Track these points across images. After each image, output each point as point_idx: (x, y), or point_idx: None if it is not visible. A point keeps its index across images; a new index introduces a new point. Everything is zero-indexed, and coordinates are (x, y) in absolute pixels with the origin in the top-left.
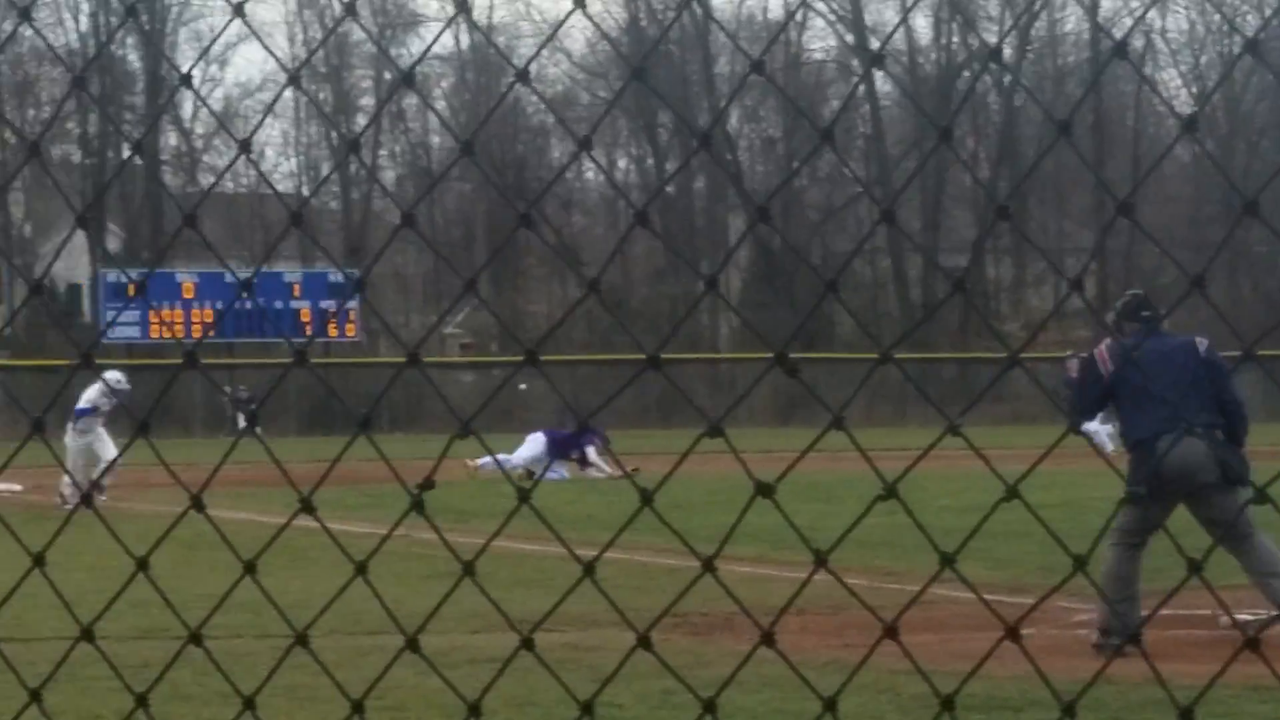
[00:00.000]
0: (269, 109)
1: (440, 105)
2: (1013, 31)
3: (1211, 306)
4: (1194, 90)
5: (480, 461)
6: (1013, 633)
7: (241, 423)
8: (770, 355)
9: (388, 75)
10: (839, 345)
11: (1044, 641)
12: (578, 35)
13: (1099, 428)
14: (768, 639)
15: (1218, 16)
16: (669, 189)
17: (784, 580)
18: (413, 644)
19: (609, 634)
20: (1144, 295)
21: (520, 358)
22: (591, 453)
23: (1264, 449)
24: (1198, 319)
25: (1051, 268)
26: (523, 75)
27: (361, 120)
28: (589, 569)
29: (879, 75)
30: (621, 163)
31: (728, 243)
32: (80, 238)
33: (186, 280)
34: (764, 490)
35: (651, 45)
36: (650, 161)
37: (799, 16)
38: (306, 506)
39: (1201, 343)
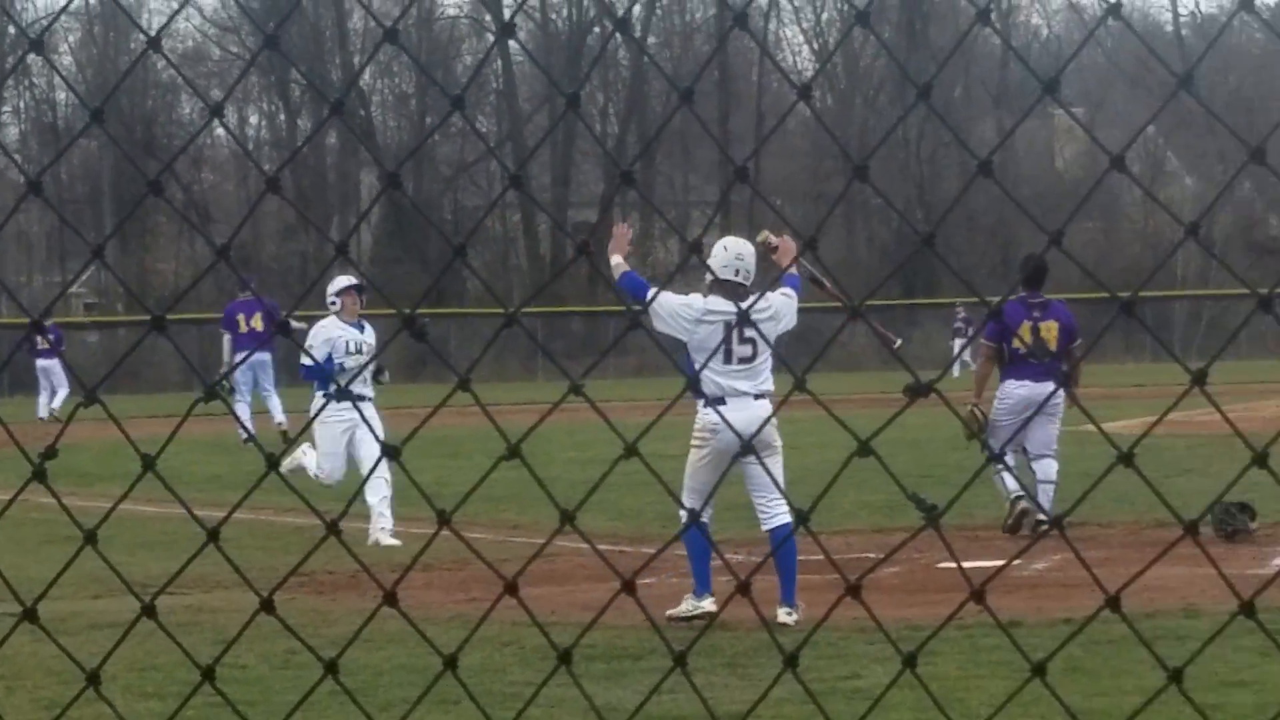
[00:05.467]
0: None
1: (67, 61)
2: None
3: (821, 265)
4: (815, 46)
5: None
6: (629, 586)
7: None
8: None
9: (11, 30)
10: (469, 301)
11: (666, 590)
12: None
13: None
14: (390, 598)
15: None
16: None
17: (410, 537)
18: (30, 614)
19: (233, 595)
20: None
21: (147, 317)
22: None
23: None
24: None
25: (671, 228)
26: (154, 42)
27: None
28: (213, 535)
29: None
30: (253, 119)
31: (360, 198)
32: None
33: None
34: (390, 452)
35: (287, 12)
36: (282, 118)
37: None
38: None
39: None
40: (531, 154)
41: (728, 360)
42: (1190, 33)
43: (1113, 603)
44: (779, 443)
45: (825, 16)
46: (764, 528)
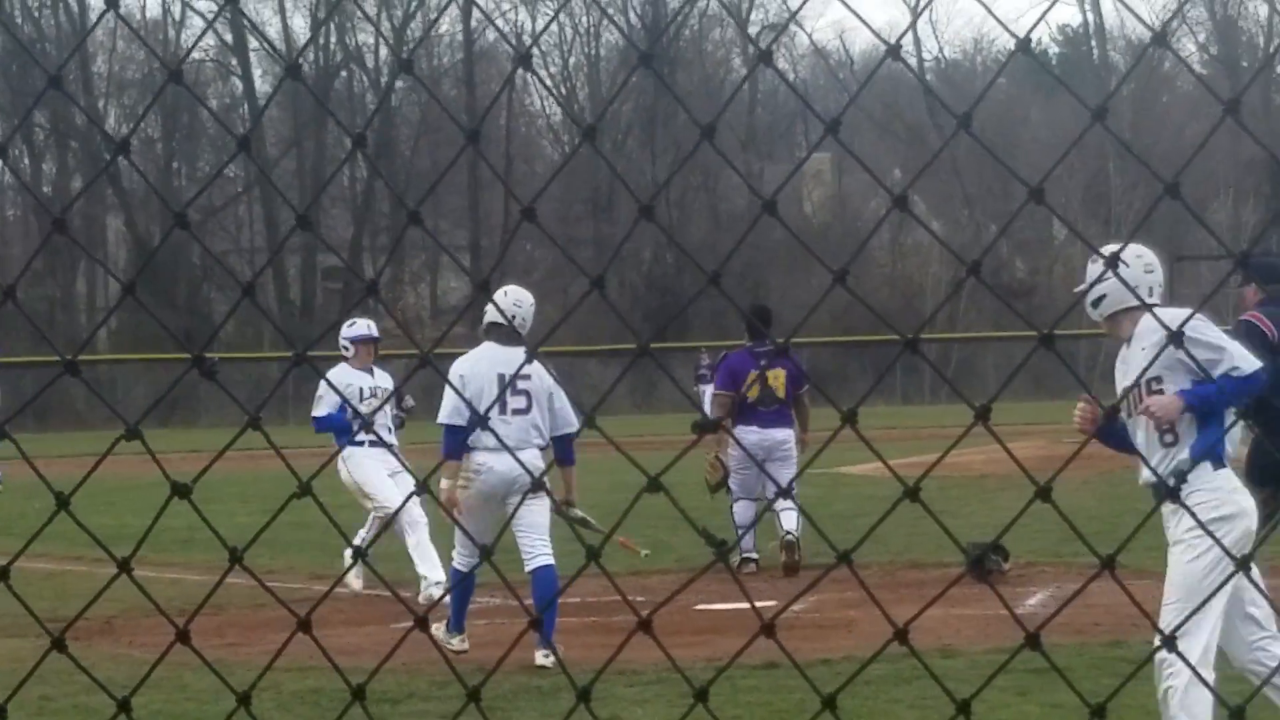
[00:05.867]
0: None
1: None
2: (387, 33)
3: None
4: (563, 90)
5: None
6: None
7: None
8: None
9: None
10: (220, 346)
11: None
12: None
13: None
14: (58, 644)
15: (584, 20)
16: (46, 188)
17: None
18: None
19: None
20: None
21: None
22: None
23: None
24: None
25: (460, 267)
26: None
27: None
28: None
29: (259, 74)
30: None
31: (106, 241)
32: None
33: None
34: (183, 491)
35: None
36: (26, 162)
37: (177, 15)
38: None
39: None
40: (323, 188)
41: (502, 411)
42: (934, 78)
43: (901, 636)
44: (547, 486)
45: (573, 61)
46: (526, 569)
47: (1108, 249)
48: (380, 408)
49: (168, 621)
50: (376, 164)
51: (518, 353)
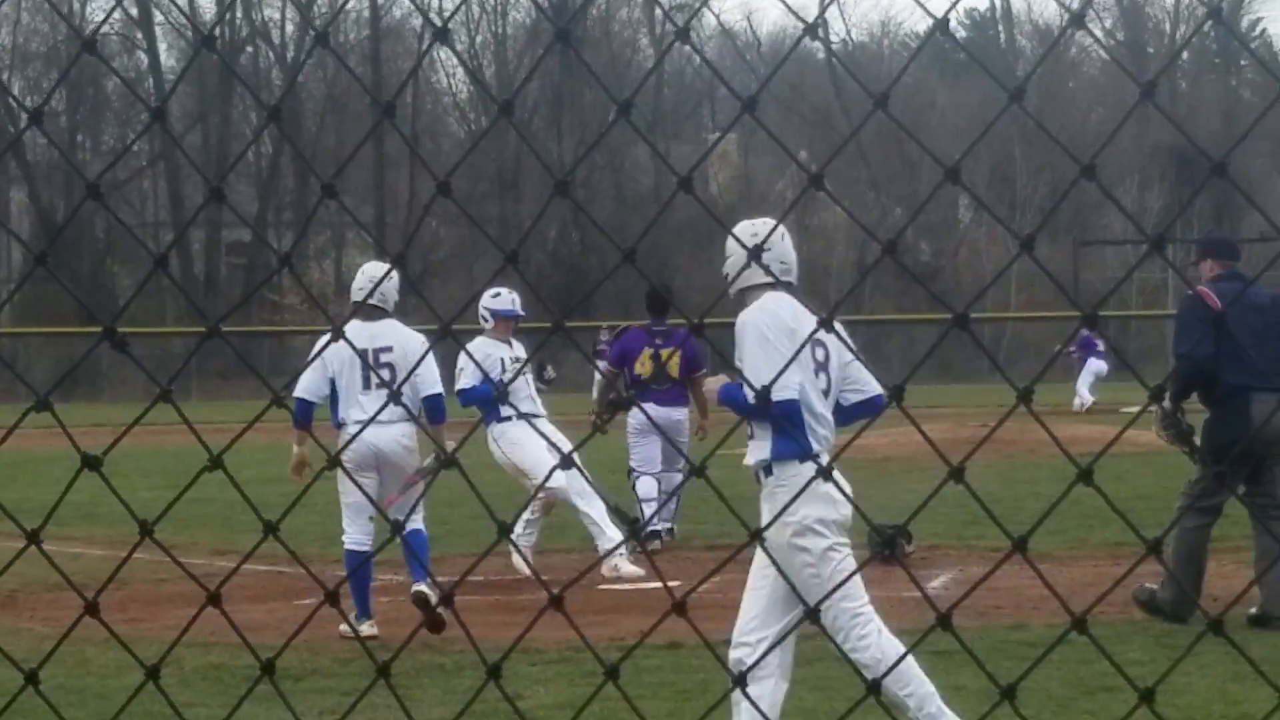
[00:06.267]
0: None
1: None
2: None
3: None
4: (469, 68)
5: None
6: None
7: None
8: None
9: None
10: (124, 320)
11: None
12: None
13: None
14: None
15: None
16: None
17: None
18: None
19: None
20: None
21: None
22: None
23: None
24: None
25: (369, 237)
26: None
27: None
28: None
29: (164, 48)
30: None
31: (10, 215)
32: None
33: None
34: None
35: None
36: None
37: None
38: None
39: None
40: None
41: (366, 386)
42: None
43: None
44: (415, 464)
45: (480, 40)
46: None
47: (742, 226)
48: (516, 377)
49: (71, 595)
50: (287, 139)
51: (381, 327)
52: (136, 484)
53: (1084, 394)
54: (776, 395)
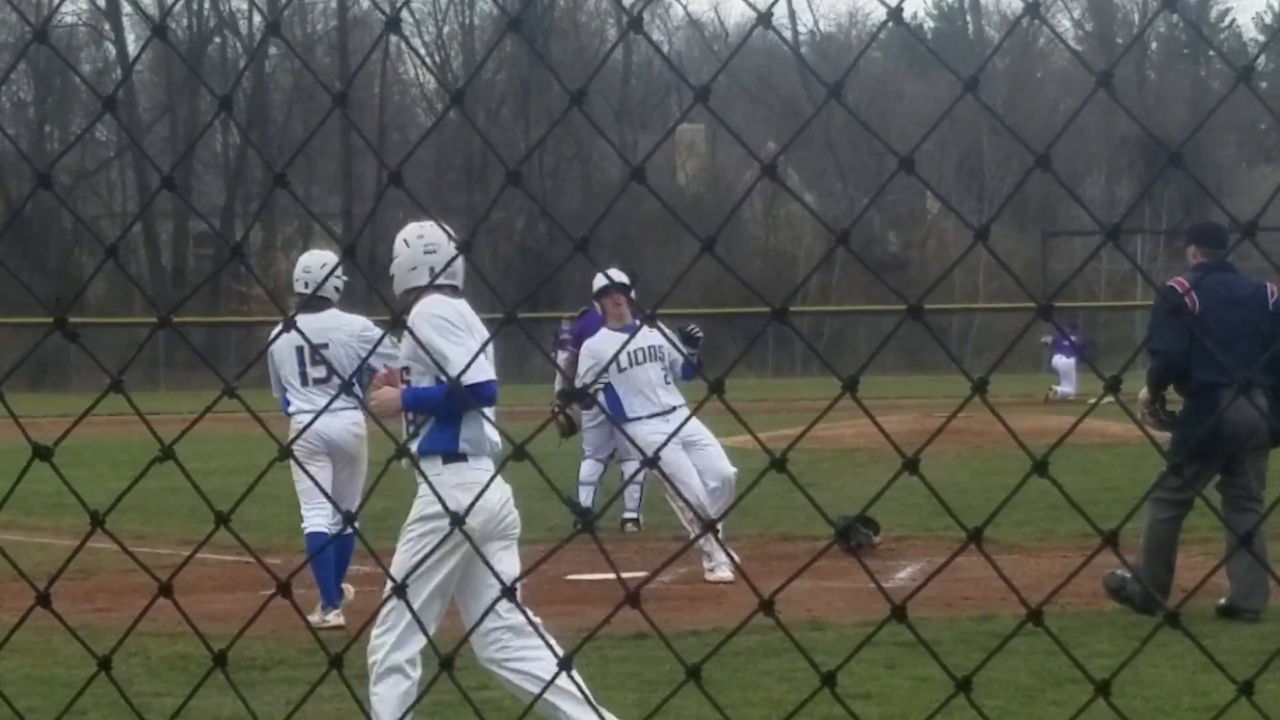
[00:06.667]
0: None
1: None
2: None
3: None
4: (437, 59)
5: None
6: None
7: None
8: None
9: None
10: (90, 310)
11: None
12: None
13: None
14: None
15: None
16: None
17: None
18: None
19: None
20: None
21: None
22: None
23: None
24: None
25: (329, 232)
26: None
27: None
28: None
29: (131, 39)
30: None
31: None
32: None
33: None
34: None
35: None
36: None
37: None
38: None
39: (1273, 291)
40: (188, 150)
41: (304, 383)
42: (809, 51)
43: (767, 607)
44: (365, 457)
45: (447, 30)
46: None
47: (410, 229)
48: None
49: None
50: (245, 128)
51: (321, 318)
52: (105, 474)
53: (1066, 386)
54: (475, 378)
